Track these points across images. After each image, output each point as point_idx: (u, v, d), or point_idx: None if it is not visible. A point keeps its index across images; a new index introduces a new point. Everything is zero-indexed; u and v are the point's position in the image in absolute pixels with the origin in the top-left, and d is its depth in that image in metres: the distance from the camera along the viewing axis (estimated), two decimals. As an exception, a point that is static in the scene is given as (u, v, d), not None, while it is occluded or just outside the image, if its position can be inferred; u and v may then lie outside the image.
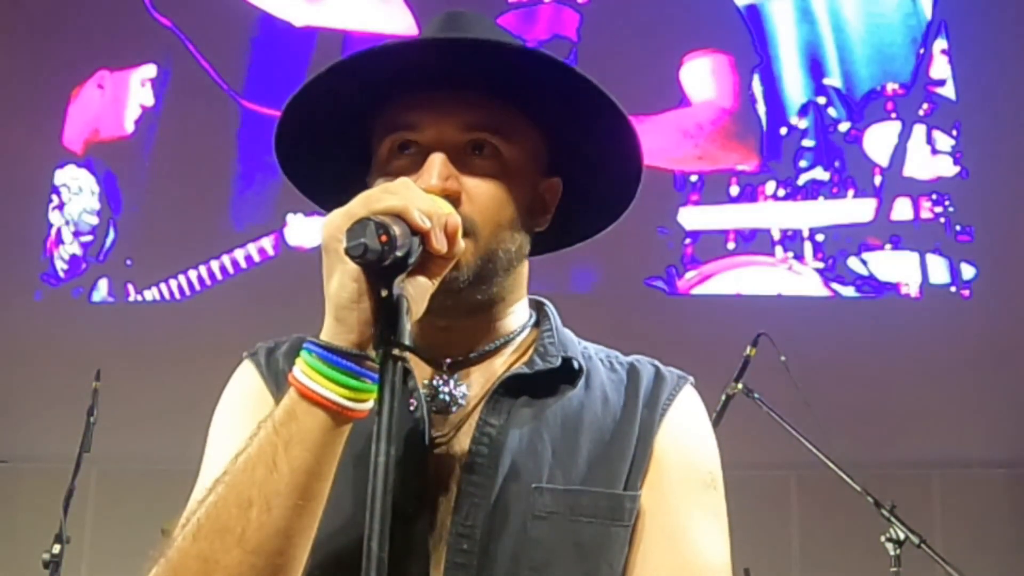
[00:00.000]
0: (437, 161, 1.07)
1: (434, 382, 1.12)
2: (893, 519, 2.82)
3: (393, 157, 1.11)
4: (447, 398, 1.11)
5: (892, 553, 2.80)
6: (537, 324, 1.20)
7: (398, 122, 1.11)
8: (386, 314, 0.91)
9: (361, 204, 0.94)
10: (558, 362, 1.14)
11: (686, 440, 1.16)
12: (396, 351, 0.89)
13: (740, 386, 3.14)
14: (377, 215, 0.91)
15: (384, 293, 0.92)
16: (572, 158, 1.19)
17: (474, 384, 1.13)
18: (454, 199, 1.05)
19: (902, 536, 2.79)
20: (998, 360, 4.26)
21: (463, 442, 1.09)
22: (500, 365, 1.15)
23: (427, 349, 1.13)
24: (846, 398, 4.12)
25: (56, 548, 3.04)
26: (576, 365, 1.15)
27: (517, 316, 1.18)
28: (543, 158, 1.17)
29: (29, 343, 4.57)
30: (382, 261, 0.89)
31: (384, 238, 0.89)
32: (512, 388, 1.12)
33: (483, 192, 1.09)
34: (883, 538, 2.82)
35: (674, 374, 1.20)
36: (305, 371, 0.95)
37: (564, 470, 1.09)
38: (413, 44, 1.15)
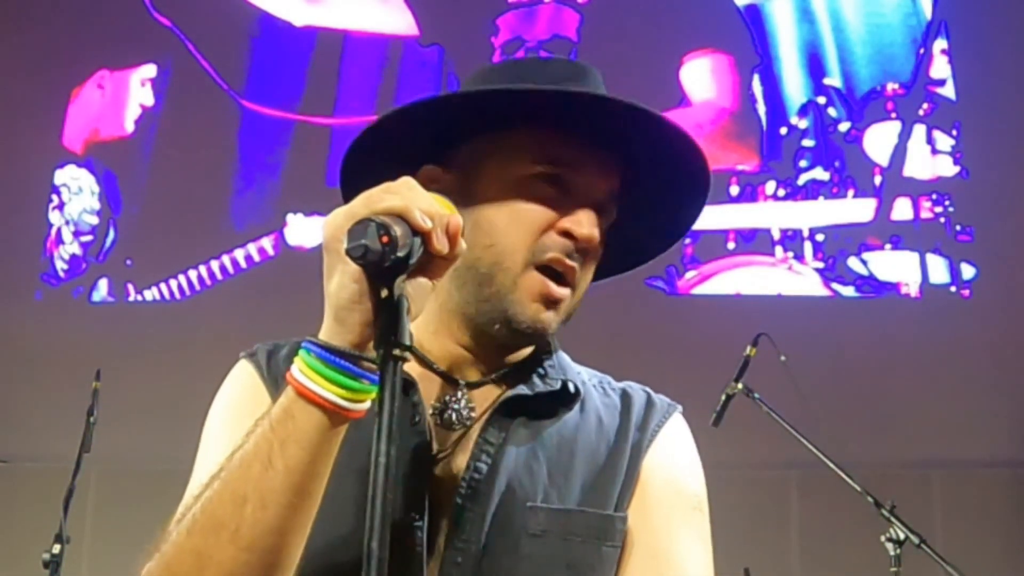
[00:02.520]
0: (592, 217, 1.12)
1: (446, 399, 1.14)
2: (893, 519, 2.82)
3: (537, 180, 1.12)
4: (454, 415, 1.13)
5: (892, 553, 2.80)
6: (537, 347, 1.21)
7: (558, 155, 1.12)
8: (386, 314, 0.91)
9: (362, 203, 0.93)
10: (558, 385, 1.17)
11: (673, 464, 1.18)
12: (396, 351, 0.89)
13: (740, 386, 3.14)
14: (378, 215, 0.91)
15: (384, 293, 0.92)
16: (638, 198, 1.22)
17: (480, 402, 1.15)
18: (592, 256, 1.13)
19: (902, 536, 2.79)
20: (998, 360, 4.26)
21: (463, 458, 1.10)
22: (502, 385, 1.17)
23: (448, 370, 1.15)
24: (846, 398, 4.12)
25: (56, 548, 3.04)
26: (573, 389, 1.18)
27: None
28: None
29: (29, 343, 4.57)
30: (383, 262, 0.89)
31: (385, 239, 0.88)
32: (512, 408, 1.14)
33: (598, 253, 1.15)
34: (883, 538, 2.82)
35: (664, 401, 1.23)
36: (303, 370, 0.95)
37: (558, 490, 1.11)
38: (575, 96, 1.14)
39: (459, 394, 1.14)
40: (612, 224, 1.17)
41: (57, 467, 3.28)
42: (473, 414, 1.13)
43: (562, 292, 1.12)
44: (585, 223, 1.10)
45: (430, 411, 1.12)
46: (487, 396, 1.15)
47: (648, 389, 1.24)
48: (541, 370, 1.18)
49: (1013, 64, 4.56)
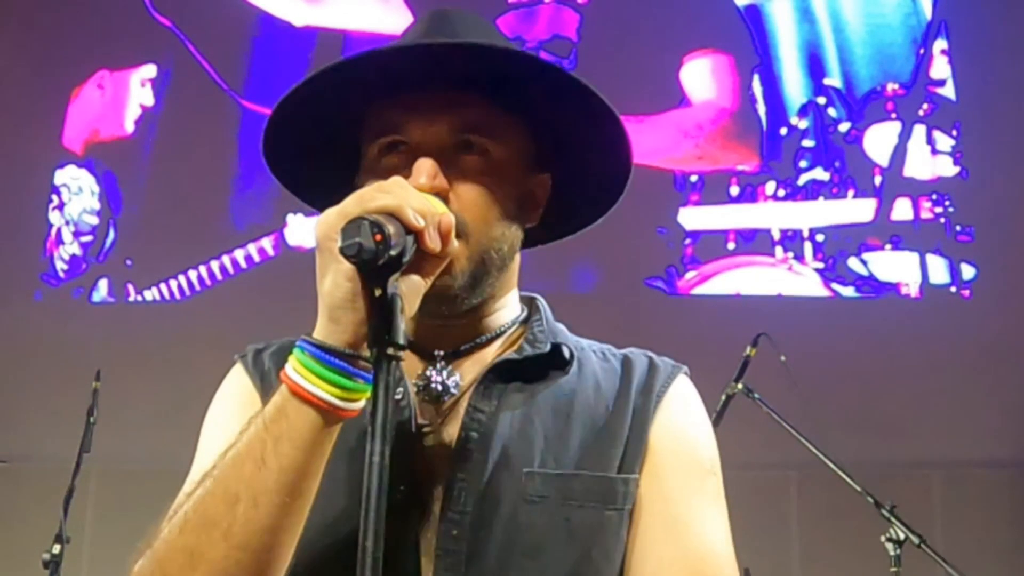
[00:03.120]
0: (425, 163, 1.07)
1: (427, 372, 1.13)
2: (893, 519, 2.82)
3: (382, 156, 1.12)
4: (439, 387, 1.12)
5: (892, 553, 2.80)
6: (528, 317, 1.21)
7: (385, 124, 1.12)
8: (380, 313, 0.91)
9: (355, 203, 0.94)
10: (547, 348, 1.15)
11: (683, 427, 1.16)
12: (390, 350, 0.89)
13: (740, 386, 3.14)
14: (371, 214, 0.91)
15: (378, 292, 0.92)
16: (561, 153, 1.20)
17: (465, 373, 1.14)
18: (443, 198, 1.06)
19: (902, 536, 2.79)
20: (998, 360, 4.26)
21: (453, 429, 1.09)
22: (491, 354, 1.16)
23: (420, 343, 1.14)
24: (846, 398, 4.12)
25: (56, 548, 3.04)
26: (567, 352, 1.16)
27: (509, 310, 1.19)
28: (531, 154, 1.18)
29: (29, 343, 4.57)
30: (376, 260, 0.89)
31: (379, 237, 0.89)
32: (502, 374, 1.12)
33: (472, 190, 1.09)
34: (883, 538, 2.82)
35: (668, 364, 1.21)
36: (297, 369, 0.95)
37: (555, 455, 1.10)
38: (398, 49, 1.15)
39: (438, 366, 1.13)
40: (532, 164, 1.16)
41: (57, 467, 3.28)
42: (459, 382, 1.12)
43: None
44: (420, 173, 1.06)
45: (413, 388, 1.11)
46: (474, 365, 1.14)
47: (651, 353, 1.22)
48: (530, 335, 1.16)
49: (1013, 64, 4.56)
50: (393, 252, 0.90)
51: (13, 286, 4.74)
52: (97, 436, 3.23)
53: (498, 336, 1.17)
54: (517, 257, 1.18)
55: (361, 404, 0.96)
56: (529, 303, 1.23)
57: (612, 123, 1.15)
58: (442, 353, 1.14)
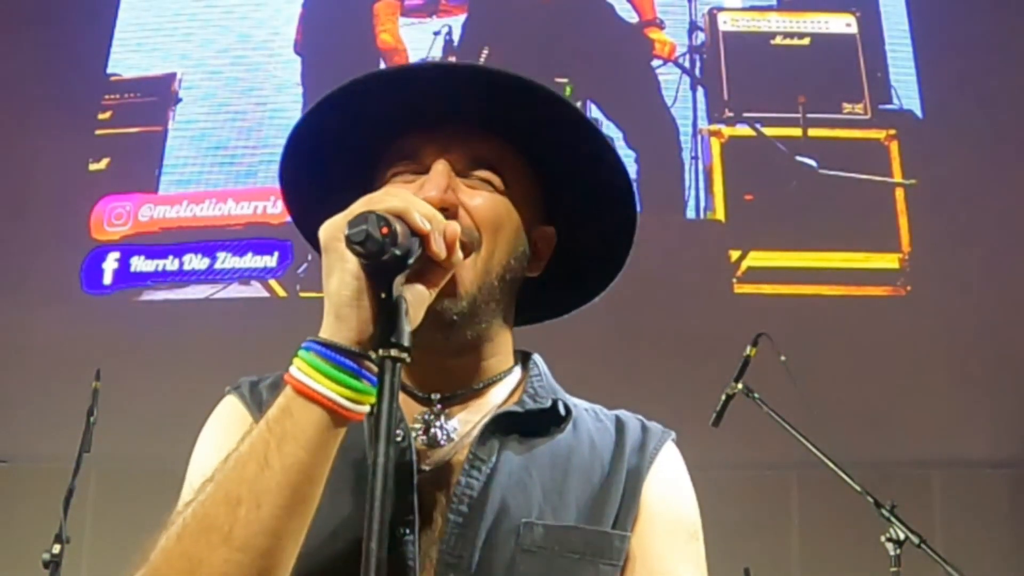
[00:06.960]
0: (439, 170, 1.08)
1: (426, 416, 1.13)
2: (893, 519, 2.82)
3: (393, 180, 1.13)
4: (438, 432, 1.12)
5: (892, 553, 2.80)
6: (525, 370, 1.22)
7: (401, 153, 1.13)
8: (385, 315, 0.91)
9: (362, 205, 0.95)
10: (548, 403, 1.16)
11: (673, 491, 1.18)
12: (395, 352, 0.89)
13: (740, 386, 3.14)
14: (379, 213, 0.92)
15: (383, 295, 0.92)
16: (567, 210, 1.21)
17: (464, 420, 1.14)
18: (452, 213, 1.06)
19: (902, 536, 2.79)
20: (998, 360, 4.26)
21: (453, 475, 1.09)
22: (490, 403, 1.16)
23: (418, 386, 1.14)
24: (846, 398, 4.12)
25: (56, 548, 3.04)
26: (563, 409, 1.17)
27: (504, 359, 1.20)
28: (539, 205, 1.20)
29: (29, 343, 4.57)
30: (382, 254, 0.90)
31: (385, 230, 0.90)
32: (503, 425, 1.13)
33: (483, 204, 1.11)
34: (883, 538, 2.82)
35: (657, 428, 1.23)
36: (303, 368, 0.95)
37: (553, 507, 1.10)
38: (420, 72, 1.16)
39: (435, 409, 1.13)
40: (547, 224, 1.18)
41: (57, 467, 3.28)
42: (457, 428, 1.13)
43: None
44: (432, 182, 1.07)
45: (413, 431, 1.11)
46: (472, 413, 1.15)
47: (640, 416, 1.24)
48: (531, 389, 1.18)
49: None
50: (398, 251, 0.91)
51: (14, 285, 4.74)
52: (97, 436, 3.22)
53: (492, 384, 1.18)
54: (512, 310, 1.19)
55: (366, 408, 0.95)
56: (523, 358, 1.24)
57: (620, 179, 1.17)
58: (438, 396, 1.14)
